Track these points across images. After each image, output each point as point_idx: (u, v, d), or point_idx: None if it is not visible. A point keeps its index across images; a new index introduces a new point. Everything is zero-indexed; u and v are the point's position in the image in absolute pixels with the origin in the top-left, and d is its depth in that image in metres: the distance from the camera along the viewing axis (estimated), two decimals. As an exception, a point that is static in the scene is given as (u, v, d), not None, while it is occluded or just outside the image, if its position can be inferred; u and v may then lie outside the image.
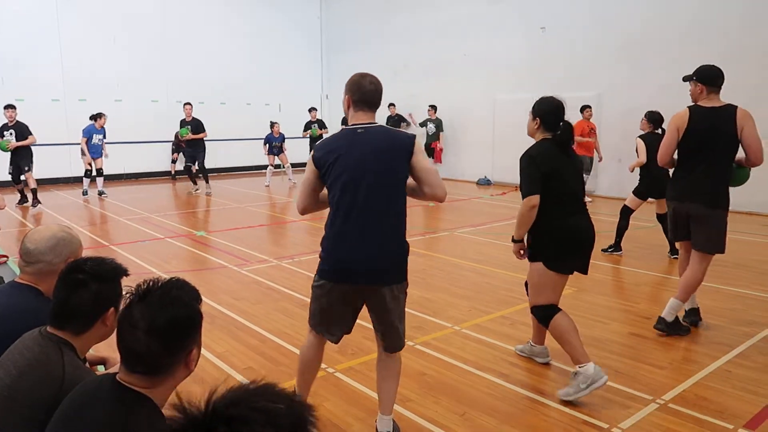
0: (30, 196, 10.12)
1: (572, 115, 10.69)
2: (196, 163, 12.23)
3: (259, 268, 6.22)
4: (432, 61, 14.63)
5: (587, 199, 10.68)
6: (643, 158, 6.38)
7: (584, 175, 10.66)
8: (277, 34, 16.75)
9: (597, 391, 3.35)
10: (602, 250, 6.73)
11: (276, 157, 13.52)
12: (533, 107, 3.40)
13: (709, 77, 4.08)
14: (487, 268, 6.21)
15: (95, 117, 11.68)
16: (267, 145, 13.57)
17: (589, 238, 3.33)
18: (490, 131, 13.33)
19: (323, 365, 3.74)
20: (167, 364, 1.49)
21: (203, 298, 5.10)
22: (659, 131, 6.45)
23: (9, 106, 10.00)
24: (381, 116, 15.31)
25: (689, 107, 4.13)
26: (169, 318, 1.46)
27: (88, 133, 11.68)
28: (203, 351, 3.99)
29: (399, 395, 3.35)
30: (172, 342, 1.48)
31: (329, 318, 2.74)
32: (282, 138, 13.48)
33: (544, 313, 3.34)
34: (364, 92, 2.63)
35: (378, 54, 16.10)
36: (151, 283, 1.51)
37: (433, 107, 14.11)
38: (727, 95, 9.81)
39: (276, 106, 16.82)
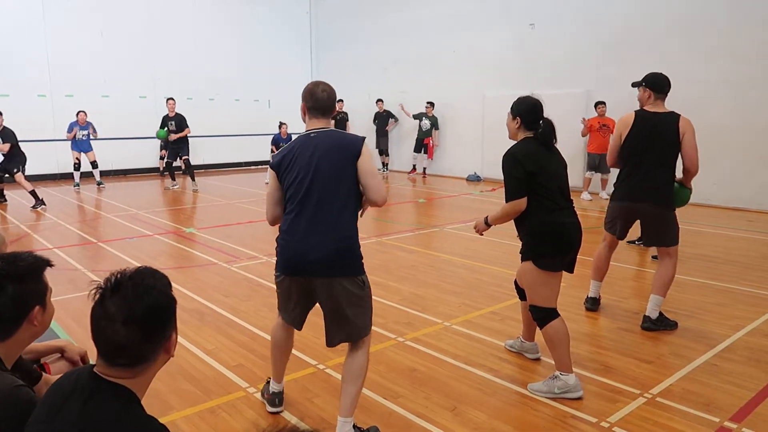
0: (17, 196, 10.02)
1: (572, 112, 10.78)
2: (179, 159, 12.15)
3: (248, 264, 6.20)
4: (422, 57, 14.62)
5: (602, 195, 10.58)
6: None
7: (602, 174, 10.62)
8: (266, 30, 16.67)
9: (586, 386, 3.38)
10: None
11: None
12: (512, 108, 3.40)
13: (657, 84, 4.29)
14: (477, 264, 6.23)
15: (78, 113, 12.28)
16: (275, 146, 13.01)
17: (576, 235, 3.34)
18: (479, 127, 13.36)
19: (313, 361, 3.76)
20: (148, 352, 1.49)
21: (192, 295, 5.09)
22: None
23: None
24: (369, 112, 15.30)
25: (636, 111, 4.36)
26: (146, 306, 1.46)
27: (70, 129, 12.25)
28: (193, 348, 3.98)
29: (390, 391, 3.38)
30: (151, 329, 1.48)
31: (288, 307, 2.91)
32: (289, 139, 13.19)
33: (542, 315, 3.32)
34: (317, 99, 2.79)
35: (368, 50, 16.08)
36: (119, 275, 1.49)
37: (431, 104, 14.05)
38: (714, 91, 9.92)
39: (265, 103, 16.76)
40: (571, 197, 3.41)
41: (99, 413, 1.42)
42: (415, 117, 14.44)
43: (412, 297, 5.12)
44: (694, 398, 3.28)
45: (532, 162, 3.22)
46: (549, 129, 3.32)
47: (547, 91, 11.20)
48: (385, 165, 15.27)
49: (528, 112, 3.34)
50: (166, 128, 12.04)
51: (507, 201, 3.30)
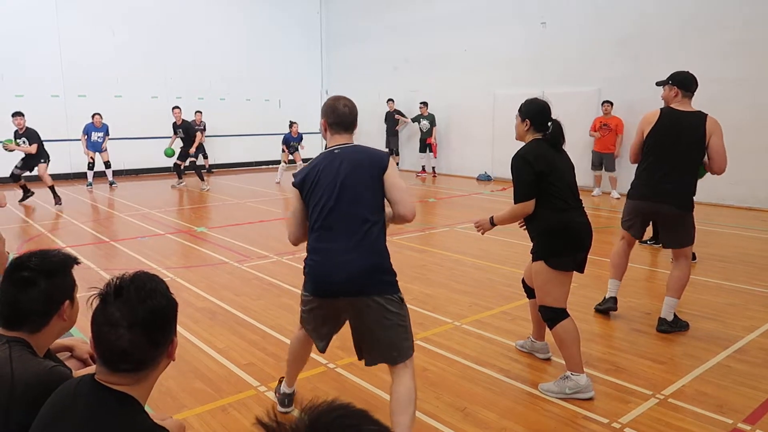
0: (41, 192, 10.17)
1: (584, 110, 10.77)
2: (187, 160, 12.34)
3: (259, 264, 6.23)
4: (432, 56, 14.60)
5: (617, 195, 10.48)
6: None
7: (610, 173, 10.57)
8: (276, 30, 16.71)
9: (597, 386, 3.36)
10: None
11: (291, 154, 13.38)
12: (521, 110, 3.41)
13: (685, 82, 4.23)
14: (488, 263, 6.21)
15: (93, 116, 12.53)
16: (285, 145, 13.17)
17: (587, 234, 3.34)
18: (490, 126, 13.31)
19: (324, 360, 3.77)
20: (152, 356, 1.47)
21: (204, 294, 5.11)
22: None
23: (17, 114, 9.99)
24: (380, 112, 15.28)
25: (661, 108, 4.29)
26: (150, 310, 1.44)
27: (86, 131, 12.48)
28: (204, 347, 4.00)
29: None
30: (155, 333, 1.46)
31: (314, 327, 2.80)
32: (300, 138, 13.25)
33: (552, 316, 3.31)
34: (339, 115, 2.72)
35: (378, 49, 16.07)
36: (119, 280, 1.47)
37: (425, 104, 14.13)
38: (728, 89, 9.76)
39: (276, 102, 16.81)
40: (581, 197, 3.41)
41: (102, 423, 1.40)
42: (414, 120, 14.54)
43: (423, 297, 5.12)
44: (706, 399, 3.26)
45: (543, 162, 3.23)
46: (558, 130, 3.33)
47: (558, 90, 11.16)
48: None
49: (537, 114, 3.34)
50: (172, 146, 12.30)
51: (516, 202, 3.31)
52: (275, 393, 3.27)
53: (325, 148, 2.75)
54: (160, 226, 8.31)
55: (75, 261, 1.92)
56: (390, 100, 15.16)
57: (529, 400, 3.30)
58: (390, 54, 15.72)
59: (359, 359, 2.77)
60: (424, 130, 14.21)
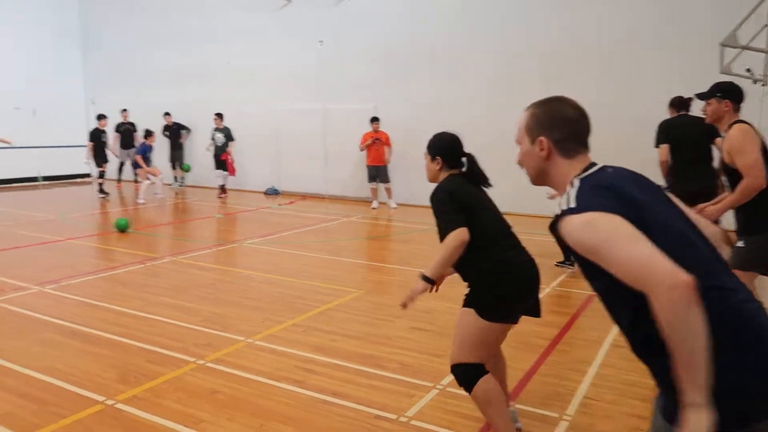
0: None
1: (359, 126, 11.27)
2: None
3: (13, 297, 5.36)
4: (206, 68, 14.04)
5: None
6: None
7: (384, 184, 11.22)
8: (24, 26, 14.70)
9: (387, 386, 3.57)
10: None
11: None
12: (429, 147, 2.97)
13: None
14: (278, 277, 6.20)
15: None
16: (141, 155, 12.17)
17: (535, 274, 2.83)
18: (274, 140, 13.22)
19: (100, 397, 3.39)
20: None
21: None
22: None
23: None
24: (155, 123, 14.21)
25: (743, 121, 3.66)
26: None
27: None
28: (-59, 402, 3.32)
29: (191, 417, 3.21)
30: None
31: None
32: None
33: (470, 375, 2.77)
34: (576, 123, 1.74)
35: (146, 58, 15.03)
36: None
37: (219, 115, 13.05)
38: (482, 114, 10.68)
39: (29, 111, 14.66)
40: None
41: None
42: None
43: (212, 317, 4.91)
44: (477, 384, 3.66)
45: (467, 196, 2.83)
46: (474, 164, 2.95)
47: (337, 106, 11.80)
48: (181, 179, 14.39)
49: (448, 149, 2.95)
50: None
51: (445, 234, 2.70)
52: None
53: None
54: None
55: None
56: (167, 113, 14.21)
57: (324, 408, 3.36)
58: (160, 64, 14.79)
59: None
60: (219, 144, 13.00)
